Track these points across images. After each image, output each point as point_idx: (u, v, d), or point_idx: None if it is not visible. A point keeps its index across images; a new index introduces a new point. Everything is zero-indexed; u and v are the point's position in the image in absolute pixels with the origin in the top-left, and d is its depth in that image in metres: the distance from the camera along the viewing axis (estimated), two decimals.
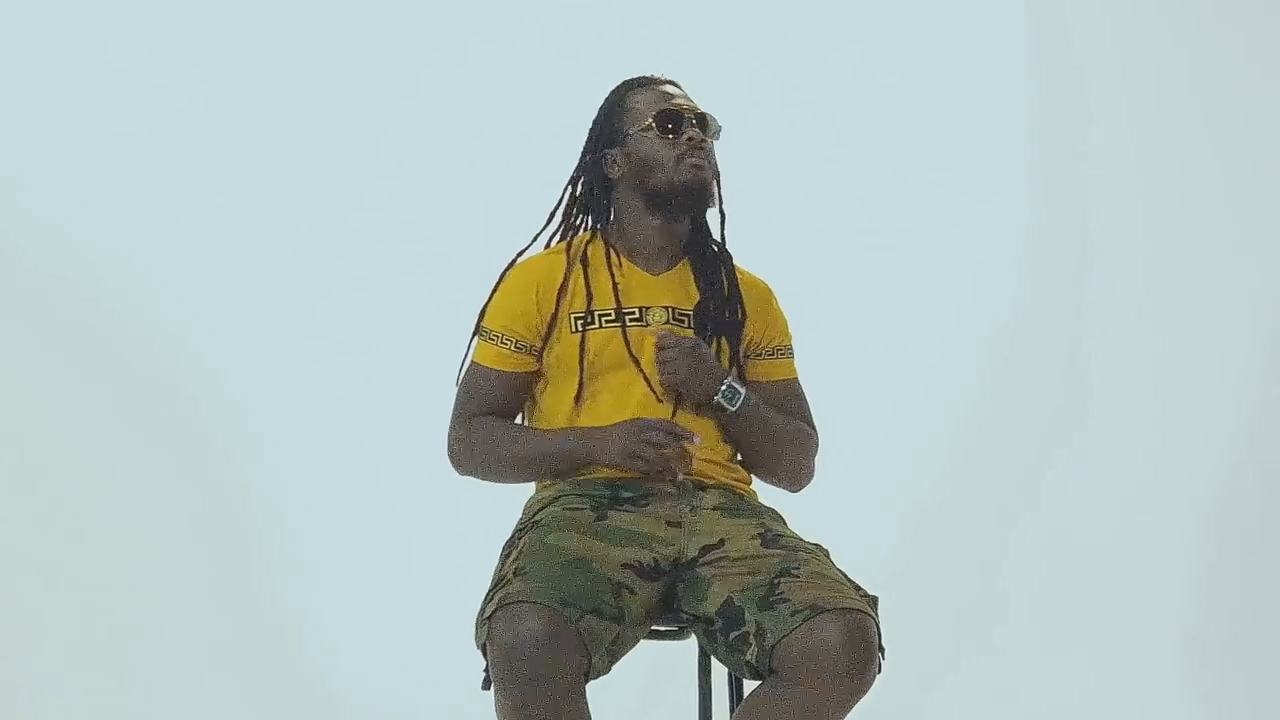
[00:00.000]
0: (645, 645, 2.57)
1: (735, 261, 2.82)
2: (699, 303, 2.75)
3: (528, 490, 2.76)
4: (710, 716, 2.81)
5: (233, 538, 4.31)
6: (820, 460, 2.84)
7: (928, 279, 4.49)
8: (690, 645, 2.72)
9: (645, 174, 2.74)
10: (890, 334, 4.44)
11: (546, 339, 2.70)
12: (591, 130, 2.84)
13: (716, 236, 2.84)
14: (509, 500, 2.79)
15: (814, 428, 2.83)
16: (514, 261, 2.80)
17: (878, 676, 2.37)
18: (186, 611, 4.21)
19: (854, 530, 3.29)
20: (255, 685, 4.15)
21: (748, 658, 2.40)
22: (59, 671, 4.08)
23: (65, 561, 4.14)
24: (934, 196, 4.50)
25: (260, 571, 4.28)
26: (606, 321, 2.70)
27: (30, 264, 4.29)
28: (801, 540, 2.58)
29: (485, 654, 2.36)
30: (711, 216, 2.83)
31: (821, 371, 3.00)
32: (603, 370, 2.68)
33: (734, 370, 2.74)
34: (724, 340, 2.74)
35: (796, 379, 2.84)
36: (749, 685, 2.49)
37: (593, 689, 2.40)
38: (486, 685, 2.38)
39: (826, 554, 2.55)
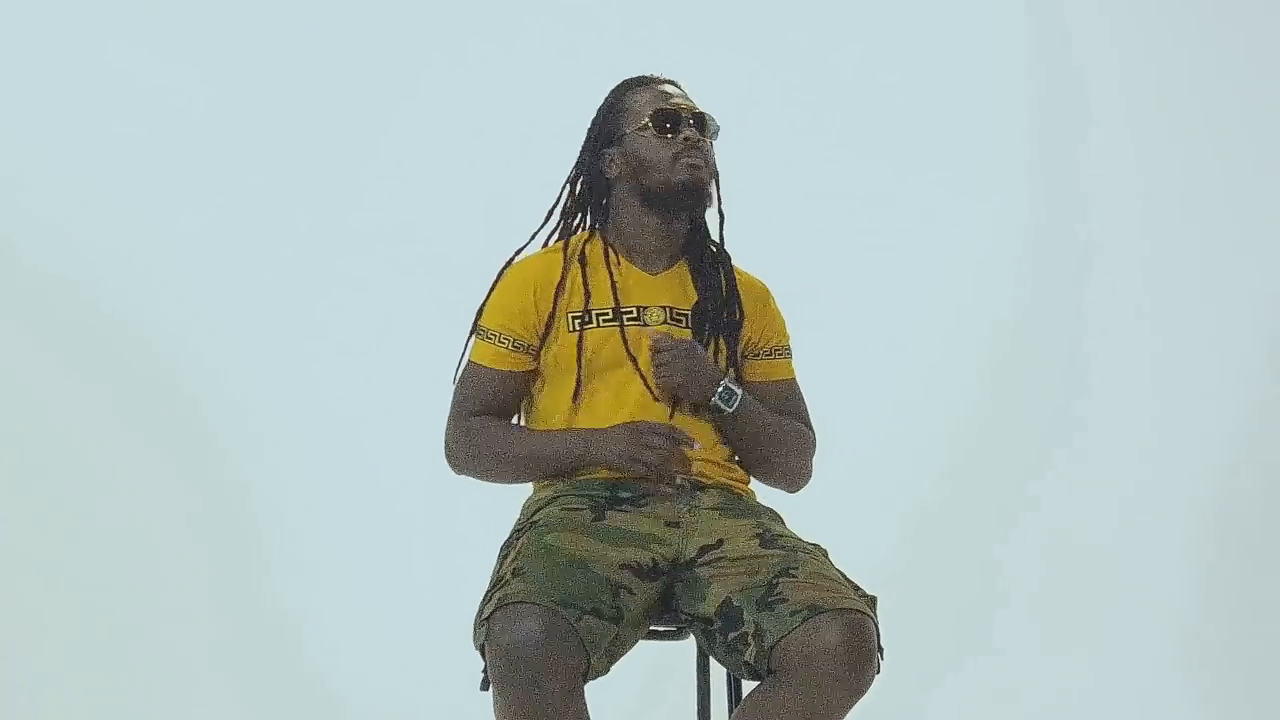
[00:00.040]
0: (644, 645, 2.57)
1: (734, 262, 2.82)
2: (697, 303, 2.74)
3: (526, 490, 2.76)
4: (709, 717, 2.81)
5: (233, 538, 4.31)
6: (820, 460, 2.84)
7: (928, 279, 4.49)
8: (689, 645, 2.71)
9: (642, 173, 2.74)
10: (890, 334, 4.44)
11: (544, 338, 2.70)
12: (590, 129, 2.84)
13: (715, 237, 2.84)
14: (508, 500, 2.79)
15: (811, 428, 2.83)
16: (511, 260, 2.80)
17: (877, 676, 2.37)
18: (186, 611, 4.21)
19: (853, 530, 3.30)
20: (255, 685, 4.15)
21: (746, 658, 2.40)
22: (59, 671, 4.09)
23: (65, 561, 4.15)
24: (934, 196, 4.50)
25: (260, 571, 4.28)
26: (604, 321, 2.69)
27: (30, 264, 4.29)
28: (800, 540, 2.57)
29: (484, 655, 2.36)
30: (710, 216, 2.82)
31: (821, 371, 3.00)
32: (600, 369, 2.67)
33: (731, 371, 2.74)
34: (722, 340, 2.74)
35: (794, 379, 2.83)
36: (747, 685, 2.49)
37: (592, 689, 2.39)
38: (485, 686, 2.37)
39: (825, 554, 2.55)
